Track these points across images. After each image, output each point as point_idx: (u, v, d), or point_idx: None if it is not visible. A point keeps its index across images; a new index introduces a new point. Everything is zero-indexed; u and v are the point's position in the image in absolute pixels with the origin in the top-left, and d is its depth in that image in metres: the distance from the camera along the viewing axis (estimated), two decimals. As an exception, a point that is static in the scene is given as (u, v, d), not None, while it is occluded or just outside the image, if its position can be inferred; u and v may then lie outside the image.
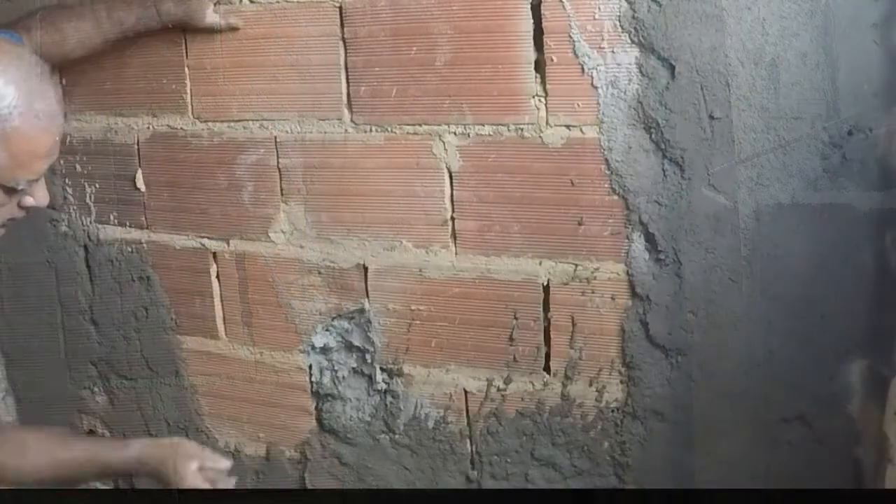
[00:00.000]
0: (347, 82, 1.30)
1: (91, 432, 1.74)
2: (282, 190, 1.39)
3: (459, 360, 1.34)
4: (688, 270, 1.16)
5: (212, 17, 1.33)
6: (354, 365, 1.43)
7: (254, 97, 1.37)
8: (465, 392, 1.35)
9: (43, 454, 1.16)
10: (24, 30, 1.24)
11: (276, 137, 1.37)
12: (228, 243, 1.47)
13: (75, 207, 1.59)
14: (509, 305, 1.28)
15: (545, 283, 1.25)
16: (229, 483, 1.21)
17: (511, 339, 1.29)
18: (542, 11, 1.15)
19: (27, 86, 0.94)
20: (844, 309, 1.12)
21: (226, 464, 1.21)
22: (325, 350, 1.44)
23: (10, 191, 1.00)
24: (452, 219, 1.28)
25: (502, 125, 1.21)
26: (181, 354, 1.57)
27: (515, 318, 1.28)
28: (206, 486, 1.17)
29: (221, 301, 1.51)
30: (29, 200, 1.04)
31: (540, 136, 1.20)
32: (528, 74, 1.18)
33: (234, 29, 1.34)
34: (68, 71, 1.45)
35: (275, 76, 1.34)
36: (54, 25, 1.27)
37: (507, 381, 1.32)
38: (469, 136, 1.24)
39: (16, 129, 0.93)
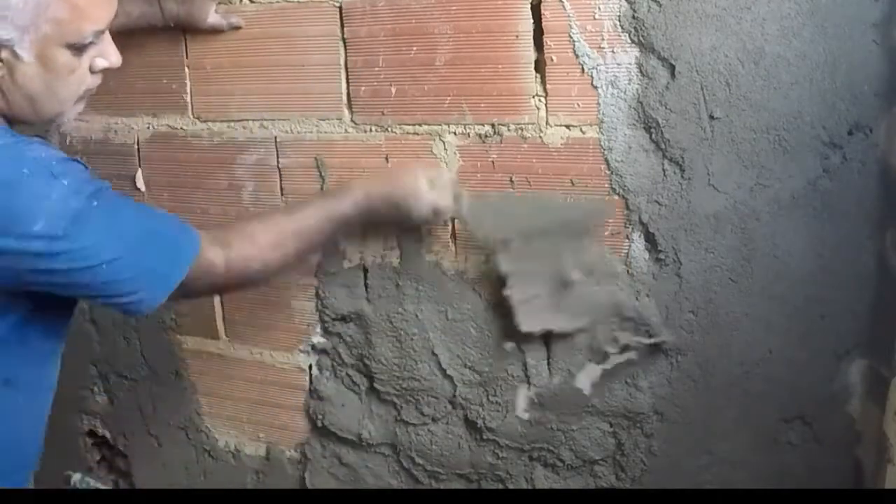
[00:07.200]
0: (347, 82, 1.30)
1: (91, 433, 1.75)
2: (282, 190, 1.39)
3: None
4: (688, 270, 1.16)
5: (213, 17, 1.33)
6: (355, 365, 1.43)
7: (254, 97, 1.37)
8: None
9: (272, 234, 1.09)
10: None
11: (276, 137, 1.37)
12: (228, 243, 1.47)
13: (75, 207, 1.59)
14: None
15: (545, 283, 1.25)
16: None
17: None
18: (542, 11, 1.14)
19: None
20: (844, 309, 1.12)
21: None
22: (325, 350, 1.44)
23: (80, 50, 0.96)
24: (453, 219, 1.28)
25: (502, 125, 1.21)
26: (181, 354, 1.57)
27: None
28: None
29: (221, 301, 1.51)
30: (101, 62, 1.01)
31: (540, 136, 1.20)
32: (528, 74, 1.18)
33: (235, 28, 1.34)
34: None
35: (275, 76, 1.34)
36: None
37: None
38: (469, 136, 1.24)
39: None
